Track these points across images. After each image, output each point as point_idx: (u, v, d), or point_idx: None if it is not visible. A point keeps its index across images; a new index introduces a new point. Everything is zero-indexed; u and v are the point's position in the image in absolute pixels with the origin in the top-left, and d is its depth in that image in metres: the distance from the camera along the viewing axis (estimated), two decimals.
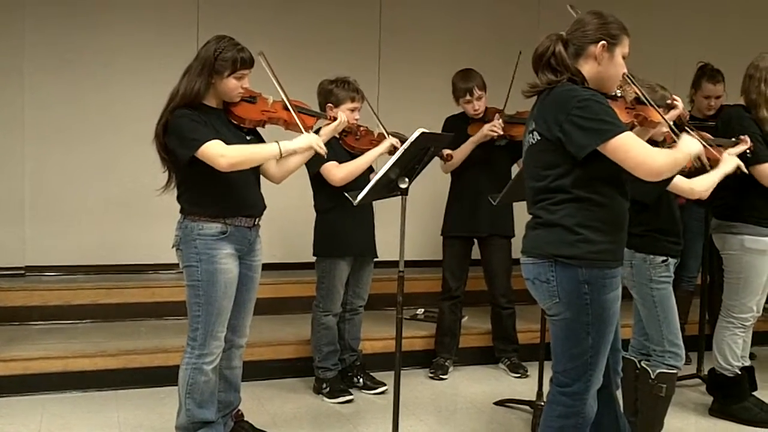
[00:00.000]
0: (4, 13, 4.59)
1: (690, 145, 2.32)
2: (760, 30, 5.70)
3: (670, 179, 2.62)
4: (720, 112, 4.12)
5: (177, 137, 2.69)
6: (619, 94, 2.54)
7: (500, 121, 3.88)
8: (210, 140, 2.65)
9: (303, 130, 2.89)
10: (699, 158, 2.47)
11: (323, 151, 2.86)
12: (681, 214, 3.08)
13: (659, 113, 2.58)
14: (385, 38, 5.34)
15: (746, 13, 6.01)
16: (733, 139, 3.17)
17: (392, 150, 3.38)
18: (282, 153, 2.78)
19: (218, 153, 2.65)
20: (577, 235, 2.20)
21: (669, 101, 2.78)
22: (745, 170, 2.95)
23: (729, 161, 2.88)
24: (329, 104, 3.57)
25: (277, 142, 2.79)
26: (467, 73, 4.00)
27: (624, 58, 2.31)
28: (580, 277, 2.20)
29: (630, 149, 2.12)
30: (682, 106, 2.78)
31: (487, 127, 3.89)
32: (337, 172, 3.49)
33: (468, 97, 3.97)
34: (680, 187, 2.77)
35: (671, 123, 2.63)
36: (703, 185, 2.81)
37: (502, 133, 3.87)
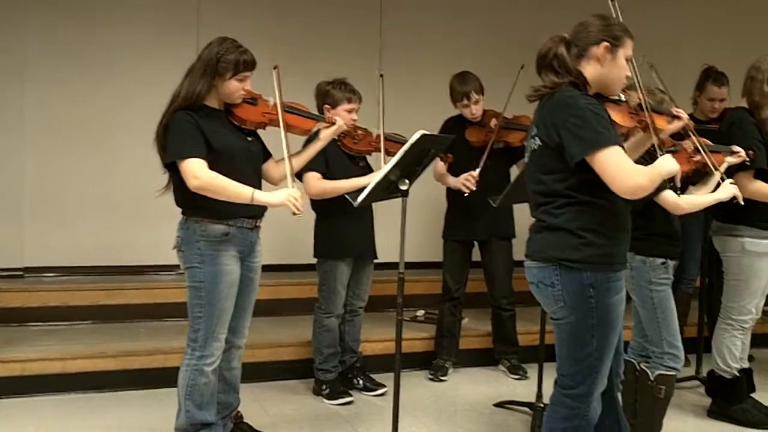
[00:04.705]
0: (5, 12, 4.59)
1: (666, 164, 2.30)
2: (759, 32, 5.71)
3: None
4: (723, 115, 4.12)
5: (169, 141, 2.70)
6: (623, 99, 2.54)
7: (475, 176, 3.83)
8: (194, 157, 2.66)
9: (284, 148, 2.82)
10: (672, 178, 2.43)
11: (297, 210, 2.72)
12: (680, 217, 3.08)
13: (653, 127, 2.56)
14: (386, 40, 5.35)
15: (745, 15, 6.02)
16: (732, 147, 3.17)
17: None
18: (252, 201, 2.71)
19: (193, 173, 2.64)
20: (581, 238, 2.21)
21: (675, 111, 2.78)
22: (741, 202, 2.94)
23: (725, 189, 2.88)
24: (326, 105, 3.58)
25: (254, 190, 2.72)
26: (464, 77, 3.99)
27: (627, 60, 2.31)
28: (585, 281, 2.21)
29: (610, 164, 2.12)
30: (686, 118, 2.78)
31: (463, 179, 3.86)
32: (316, 185, 3.48)
33: (465, 102, 3.97)
34: (666, 201, 2.78)
35: (660, 140, 2.62)
36: (690, 204, 2.83)
37: (475, 189, 3.84)
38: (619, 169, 2.12)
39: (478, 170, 3.85)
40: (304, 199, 2.85)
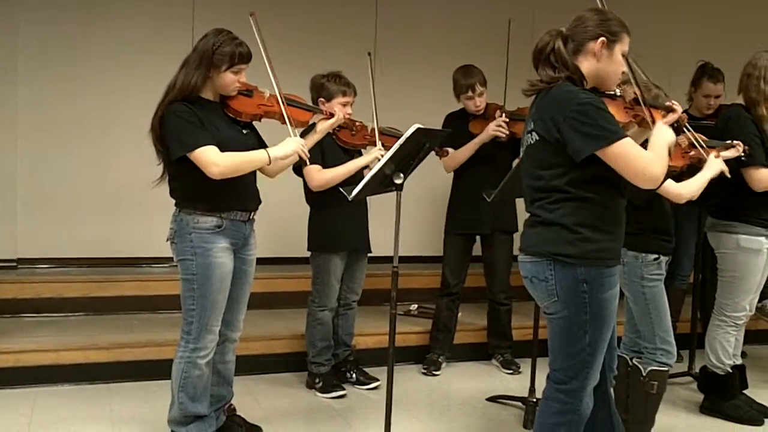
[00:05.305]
0: None
1: (664, 134, 2.30)
2: (755, 29, 5.71)
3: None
4: (719, 112, 4.12)
5: (173, 134, 2.68)
6: (619, 93, 2.54)
7: (505, 118, 3.87)
8: (205, 145, 2.65)
9: (290, 130, 2.87)
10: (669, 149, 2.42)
11: (306, 156, 2.88)
12: (675, 213, 3.09)
13: (649, 118, 2.56)
14: (380, 36, 5.33)
15: (741, 12, 6.02)
16: (728, 142, 3.17)
17: (378, 160, 3.36)
18: (271, 160, 2.80)
19: (211, 161, 2.65)
20: (576, 234, 2.20)
21: (669, 104, 2.79)
22: (728, 174, 2.95)
23: (713, 164, 2.89)
24: (321, 98, 3.57)
25: (266, 149, 2.81)
26: (468, 69, 4.00)
27: (624, 56, 2.31)
28: (579, 276, 2.21)
29: (630, 157, 2.13)
30: (680, 111, 2.79)
31: (492, 126, 3.88)
32: (319, 176, 3.49)
33: (469, 93, 3.97)
34: (670, 192, 2.79)
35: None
36: (691, 189, 2.85)
37: (508, 132, 3.86)
38: (641, 160, 2.14)
39: (504, 114, 3.87)
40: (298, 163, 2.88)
